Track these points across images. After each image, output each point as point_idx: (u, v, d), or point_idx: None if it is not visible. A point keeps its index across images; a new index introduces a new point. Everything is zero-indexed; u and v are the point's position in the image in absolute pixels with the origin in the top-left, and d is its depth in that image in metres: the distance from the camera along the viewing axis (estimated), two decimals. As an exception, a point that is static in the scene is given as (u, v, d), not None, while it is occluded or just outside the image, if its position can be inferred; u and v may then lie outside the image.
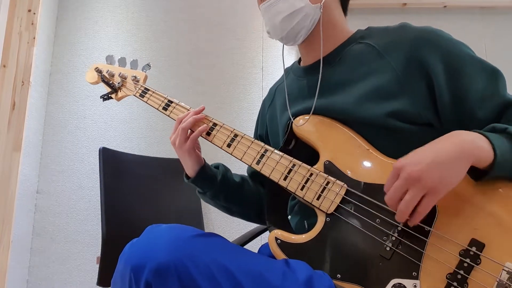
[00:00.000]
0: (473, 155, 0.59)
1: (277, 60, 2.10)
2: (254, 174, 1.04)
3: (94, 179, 1.98)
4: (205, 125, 0.88)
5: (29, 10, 1.95)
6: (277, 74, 2.09)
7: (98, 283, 1.21)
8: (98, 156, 1.39)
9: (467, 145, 0.59)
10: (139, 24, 2.17)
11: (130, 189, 1.47)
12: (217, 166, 0.97)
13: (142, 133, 2.03)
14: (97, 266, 1.23)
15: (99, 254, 1.24)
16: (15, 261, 1.77)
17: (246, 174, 1.05)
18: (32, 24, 1.94)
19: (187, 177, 0.93)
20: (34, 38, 1.92)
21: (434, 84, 0.73)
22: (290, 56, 2.00)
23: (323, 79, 0.84)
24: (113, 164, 1.43)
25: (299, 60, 0.96)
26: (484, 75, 0.72)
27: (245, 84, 2.09)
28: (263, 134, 1.05)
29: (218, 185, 0.93)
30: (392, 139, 0.73)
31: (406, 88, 0.74)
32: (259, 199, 1.00)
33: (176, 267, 0.53)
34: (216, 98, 2.08)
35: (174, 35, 2.16)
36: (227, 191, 0.95)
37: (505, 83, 0.73)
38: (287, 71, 1.00)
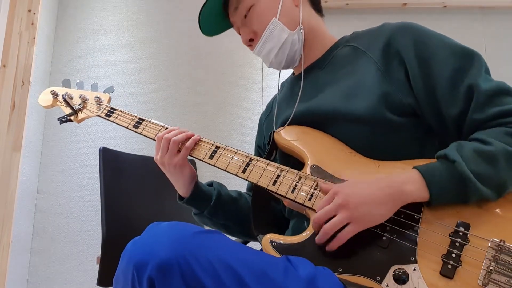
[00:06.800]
0: (400, 200, 0.65)
1: (277, 60, 2.10)
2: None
3: (94, 179, 1.98)
4: (195, 136, 0.87)
5: (29, 10, 1.95)
6: (277, 74, 2.09)
7: (98, 283, 1.21)
8: (98, 156, 1.39)
9: (392, 190, 0.65)
10: (139, 24, 2.17)
11: (130, 189, 1.47)
12: (210, 184, 0.94)
13: (142, 133, 2.03)
14: (97, 266, 1.23)
15: (99, 254, 1.25)
16: (15, 261, 1.78)
17: (240, 190, 1.02)
18: (32, 24, 1.94)
19: (181, 198, 0.90)
20: (34, 38, 1.93)
21: (409, 71, 0.74)
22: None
23: (312, 83, 0.87)
24: (113, 164, 1.43)
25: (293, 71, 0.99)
26: (453, 59, 0.71)
27: (245, 84, 2.08)
28: (261, 144, 1.05)
29: (215, 202, 0.90)
30: (381, 133, 0.74)
31: (388, 77, 0.76)
32: None
33: (178, 264, 0.53)
34: (216, 98, 2.07)
35: (174, 35, 2.16)
36: (225, 208, 0.92)
37: (480, 66, 0.71)
38: (283, 84, 1.03)
